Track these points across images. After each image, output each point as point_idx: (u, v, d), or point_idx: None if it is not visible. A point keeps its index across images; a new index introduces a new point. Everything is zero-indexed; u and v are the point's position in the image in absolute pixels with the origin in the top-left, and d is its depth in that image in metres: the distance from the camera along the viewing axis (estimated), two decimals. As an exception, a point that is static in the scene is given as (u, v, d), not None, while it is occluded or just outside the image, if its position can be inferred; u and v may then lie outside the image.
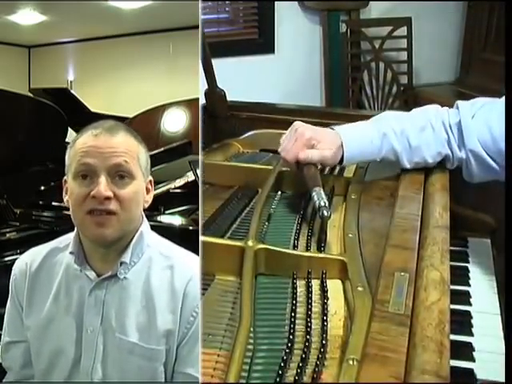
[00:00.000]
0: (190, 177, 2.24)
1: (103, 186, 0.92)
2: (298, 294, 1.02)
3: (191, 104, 3.00)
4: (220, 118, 1.87)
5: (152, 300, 0.98)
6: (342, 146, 1.35)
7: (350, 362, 0.80)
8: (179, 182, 2.27)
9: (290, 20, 3.50)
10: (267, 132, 1.77)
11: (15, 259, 1.10)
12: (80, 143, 0.96)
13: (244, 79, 3.16)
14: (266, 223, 1.26)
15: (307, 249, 1.15)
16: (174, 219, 2.08)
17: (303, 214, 1.30)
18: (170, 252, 1.03)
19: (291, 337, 0.88)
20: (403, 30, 3.43)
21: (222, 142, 1.74)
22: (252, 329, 0.90)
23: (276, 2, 3.45)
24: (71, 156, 0.96)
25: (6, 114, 2.19)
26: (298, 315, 0.95)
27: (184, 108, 3.10)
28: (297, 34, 3.54)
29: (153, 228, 1.05)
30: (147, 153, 1.02)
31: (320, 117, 1.73)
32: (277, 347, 0.87)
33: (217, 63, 1.78)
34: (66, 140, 2.54)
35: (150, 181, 1.02)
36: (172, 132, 3.07)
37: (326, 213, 1.15)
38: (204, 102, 1.88)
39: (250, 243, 1.09)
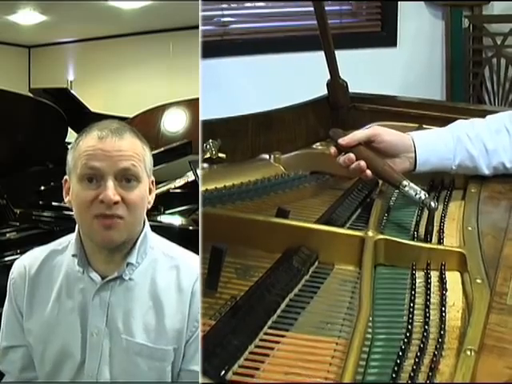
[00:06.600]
0: (190, 177, 2.24)
1: (111, 191, 0.90)
2: (416, 284, 1.01)
3: (191, 104, 3.00)
4: (342, 109, 1.83)
5: (159, 300, 0.97)
6: (414, 149, 1.29)
7: (468, 353, 0.80)
8: (179, 182, 2.28)
9: (413, 14, 3.49)
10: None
11: (15, 259, 1.09)
12: (85, 145, 0.92)
13: (364, 71, 3.12)
14: (386, 214, 1.26)
15: (426, 240, 1.15)
16: (174, 219, 2.08)
17: (422, 206, 1.28)
18: (174, 252, 1.02)
19: (409, 327, 0.89)
20: (526, 27, 3.38)
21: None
22: (371, 318, 0.90)
23: (400, -4, 3.45)
24: (75, 157, 0.93)
25: (6, 114, 2.19)
26: (416, 306, 0.95)
27: (184, 108, 3.10)
28: (419, 28, 3.53)
29: (153, 228, 1.05)
30: (150, 153, 1.00)
31: (441, 111, 1.69)
32: (395, 337, 0.88)
33: (338, 55, 1.77)
34: (66, 140, 2.54)
35: (152, 181, 1.01)
36: (172, 132, 3.07)
37: (433, 204, 1.14)
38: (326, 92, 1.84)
39: (370, 233, 1.09)
